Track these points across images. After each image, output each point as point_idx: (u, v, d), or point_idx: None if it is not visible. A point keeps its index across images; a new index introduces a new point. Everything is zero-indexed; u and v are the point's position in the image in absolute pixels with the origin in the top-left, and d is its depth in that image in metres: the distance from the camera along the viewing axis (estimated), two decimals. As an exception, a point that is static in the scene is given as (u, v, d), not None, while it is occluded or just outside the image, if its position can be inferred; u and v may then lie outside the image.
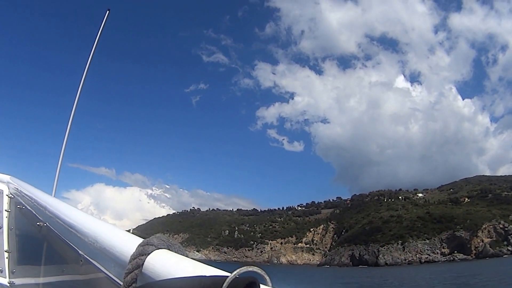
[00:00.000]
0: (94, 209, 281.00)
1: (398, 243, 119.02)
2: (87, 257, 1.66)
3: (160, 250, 1.13)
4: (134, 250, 1.16)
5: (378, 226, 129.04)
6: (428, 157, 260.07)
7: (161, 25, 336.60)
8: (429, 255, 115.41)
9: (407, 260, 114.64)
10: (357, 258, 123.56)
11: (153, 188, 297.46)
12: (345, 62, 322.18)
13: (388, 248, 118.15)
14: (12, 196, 3.67)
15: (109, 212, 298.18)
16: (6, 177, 3.84)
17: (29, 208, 2.99)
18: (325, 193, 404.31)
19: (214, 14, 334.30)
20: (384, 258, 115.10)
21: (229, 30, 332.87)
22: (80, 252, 1.75)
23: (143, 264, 1.10)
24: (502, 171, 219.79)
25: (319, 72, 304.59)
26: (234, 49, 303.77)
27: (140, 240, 1.23)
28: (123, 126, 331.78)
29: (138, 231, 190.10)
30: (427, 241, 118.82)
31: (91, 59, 6.74)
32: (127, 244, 1.27)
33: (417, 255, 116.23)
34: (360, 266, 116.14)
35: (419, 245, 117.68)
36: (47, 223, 2.44)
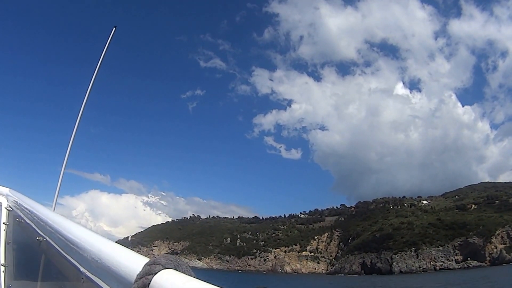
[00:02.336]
0: (89, 216, 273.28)
1: (411, 251, 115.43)
2: (89, 275, 1.61)
3: (167, 270, 1.10)
4: (139, 269, 1.14)
5: (389, 233, 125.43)
6: (427, 164, 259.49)
7: (157, 29, 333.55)
8: (444, 262, 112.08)
9: (421, 268, 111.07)
10: (369, 266, 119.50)
11: (149, 195, 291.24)
12: (344, 69, 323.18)
13: (402, 255, 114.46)
14: (11, 209, 3.56)
15: (104, 219, 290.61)
16: (5, 190, 3.74)
17: (28, 221, 2.90)
18: (323, 201, 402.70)
19: (211, 19, 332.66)
20: (399, 266, 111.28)
21: (227, 35, 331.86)
22: (81, 269, 1.70)
23: (149, 284, 1.08)
24: (503, 179, 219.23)
25: (317, 78, 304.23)
26: (232, 54, 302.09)
27: (145, 259, 1.21)
28: (118, 131, 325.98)
29: (136, 238, 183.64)
30: (441, 248, 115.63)
31: (96, 73, 6.64)
32: (132, 263, 1.24)
33: (431, 263, 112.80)
34: (373, 274, 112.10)
35: (433, 252, 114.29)
36: (46, 238, 2.35)
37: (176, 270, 1.10)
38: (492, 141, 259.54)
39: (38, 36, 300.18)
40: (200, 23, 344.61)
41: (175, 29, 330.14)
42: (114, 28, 7.21)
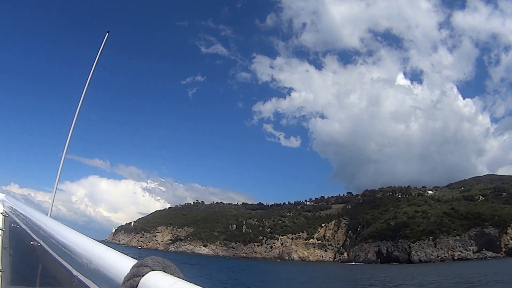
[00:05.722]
0: (89, 201, 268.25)
1: (429, 239, 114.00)
2: (81, 278, 1.62)
3: (155, 271, 1.10)
4: (128, 271, 1.14)
5: (404, 221, 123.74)
6: (426, 156, 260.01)
7: (157, 14, 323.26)
8: (462, 252, 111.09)
9: (439, 257, 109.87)
10: (385, 254, 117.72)
11: (148, 181, 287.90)
12: (346, 57, 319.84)
13: (420, 244, 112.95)
14: (7, 215, 3.65)
15: (103, 205, 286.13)
16: (1, 195, 3.85)
17: (23, 227, 2.99)
18: (322, 189, 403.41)
19: (213, 4, 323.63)
20: (418, 255, 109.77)
21: (229, 21, 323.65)
22: (74, 272, 1.72)
23: (137, 285, 1.08)
24: (501, 172, 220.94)
25: (319, 67, 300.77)
26: (234, 40, 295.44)
27: (134, 261, 1.21)
28: (117, 117, 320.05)
29: (139, 223, 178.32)
30: (458, 238, 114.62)
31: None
32: (121, 265, 1.24)
33: (449, 252, 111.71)
34: (390, 263, 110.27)
35: (450, 242, 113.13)
36: (41, 243, 2.40)
37: (164, 271, 1.10)
38: (492, 134, 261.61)
39: (43, 18, 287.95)
40: (202, 8, 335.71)
41: (176, 14, 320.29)
42: (107, 33, 7.20)
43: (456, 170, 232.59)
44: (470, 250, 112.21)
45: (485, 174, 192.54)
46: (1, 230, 3.65)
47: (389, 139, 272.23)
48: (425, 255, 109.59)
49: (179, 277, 1.07)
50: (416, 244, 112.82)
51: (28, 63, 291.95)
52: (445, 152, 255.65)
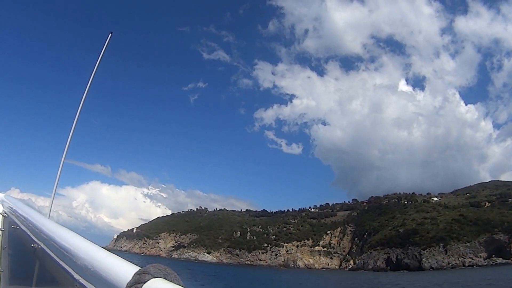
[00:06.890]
0: (90, 207, 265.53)
1: (439, 246, 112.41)
2: (83, 282, 1.64)
3: (156, 279, 1.11)
4: (130, 278, 1.15)
5: (414, 228, 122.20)
6: (429, 162, 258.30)
7: (159, 19, 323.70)
8: (472, 259, 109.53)
9: (450, 264, 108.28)
10: (395, 262, 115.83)
11: (149, 187, 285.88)
12: (348, 64, 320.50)
13: (431, 251, 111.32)
14: (6, 215, 3.63)
15: (104, 211, 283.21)
16: (0, 195, 3.83)
17: (23, 228, 2.98)
18: (324, 196, 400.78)
19: (215, 10, 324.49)
20: (429, 262, 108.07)
21: (231, 27, 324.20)
22: (75, 276, 1.72)
23: None
24: (504, 178, 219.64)
25: (321, 73, 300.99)
26: (236, 46, 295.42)
27: (136, 268, 1.24)
28: (119, 123, 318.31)
29: (141, 230, 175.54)
30: (468, 244, 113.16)
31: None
32: (123, 271, 1.26)
33: (459, 259, 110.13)
34: (400, 270, 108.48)
35: (461, 248, 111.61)
36: (41, 245, 2.39)
37: (165, 279, 1.12)
38: (495, 140, 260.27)
39: (42, 22, 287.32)
40: (203, 14, 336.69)
41: (178, 19, 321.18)
42: (110, 34, 7.01)
43: (459, 176, 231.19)
44: (480, 256, 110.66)
45: (489, 180, 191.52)
46: (1, 230, 3.57)
47: (391, 145, 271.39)
48: (436, 262, 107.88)
49: (179, 284, 1.09)
50: (426, 251, 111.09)
51: (28, 66, 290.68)
52: (448, 159, 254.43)
